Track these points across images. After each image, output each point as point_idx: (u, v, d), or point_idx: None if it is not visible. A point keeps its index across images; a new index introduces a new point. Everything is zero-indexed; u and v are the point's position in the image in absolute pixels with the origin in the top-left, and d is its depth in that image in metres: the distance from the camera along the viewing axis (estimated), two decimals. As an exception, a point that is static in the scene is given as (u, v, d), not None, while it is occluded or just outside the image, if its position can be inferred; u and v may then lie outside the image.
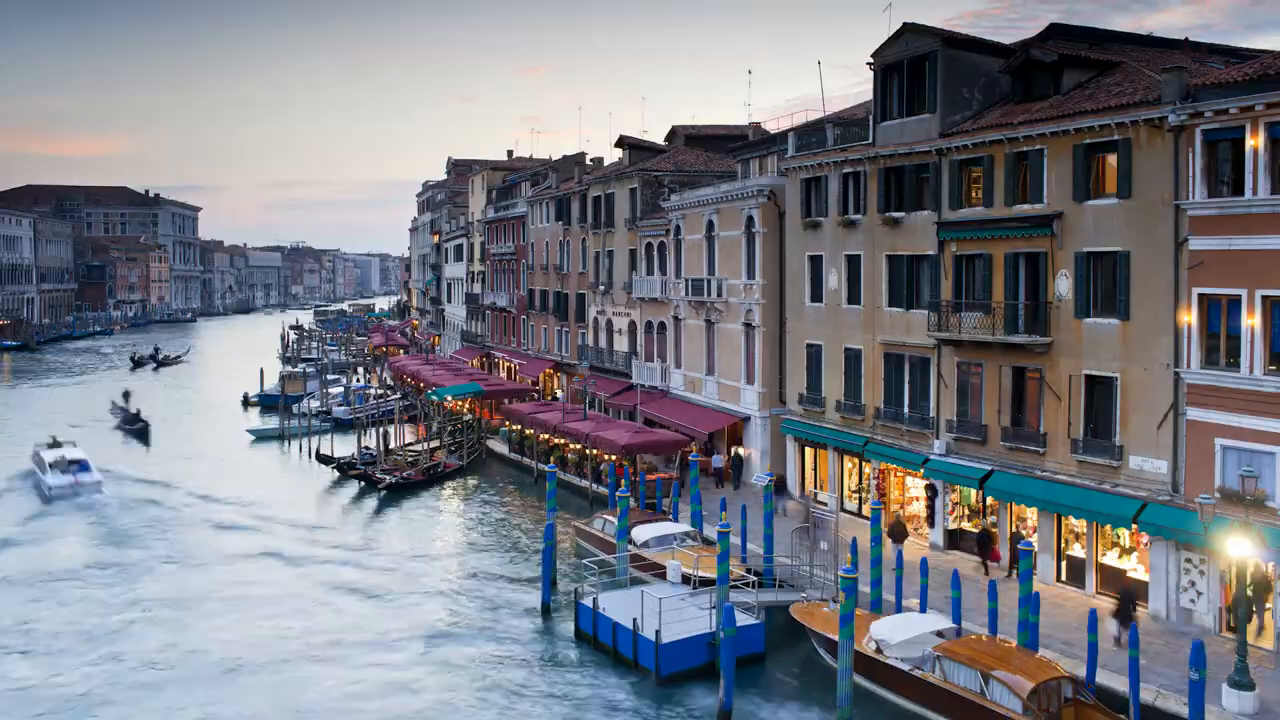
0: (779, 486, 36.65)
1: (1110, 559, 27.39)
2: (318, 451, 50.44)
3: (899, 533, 30.99)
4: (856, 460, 36.10)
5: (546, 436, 47.19)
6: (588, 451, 44.05)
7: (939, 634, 23.42)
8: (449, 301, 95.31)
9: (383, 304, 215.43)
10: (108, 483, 45.44)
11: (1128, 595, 24.41)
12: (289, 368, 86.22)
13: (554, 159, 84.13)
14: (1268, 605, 23.65)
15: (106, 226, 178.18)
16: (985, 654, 21.67)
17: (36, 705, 23.94)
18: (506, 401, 57.63)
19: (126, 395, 67.63)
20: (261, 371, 79.49)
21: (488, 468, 51.77)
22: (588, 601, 27.54)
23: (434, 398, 58.89)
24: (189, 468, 51.98)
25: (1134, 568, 26.77)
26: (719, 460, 42.17)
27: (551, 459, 44.06)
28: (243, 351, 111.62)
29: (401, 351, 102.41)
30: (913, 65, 32.69)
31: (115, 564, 35.09)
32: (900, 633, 23.23)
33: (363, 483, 46.70)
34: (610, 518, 33.97)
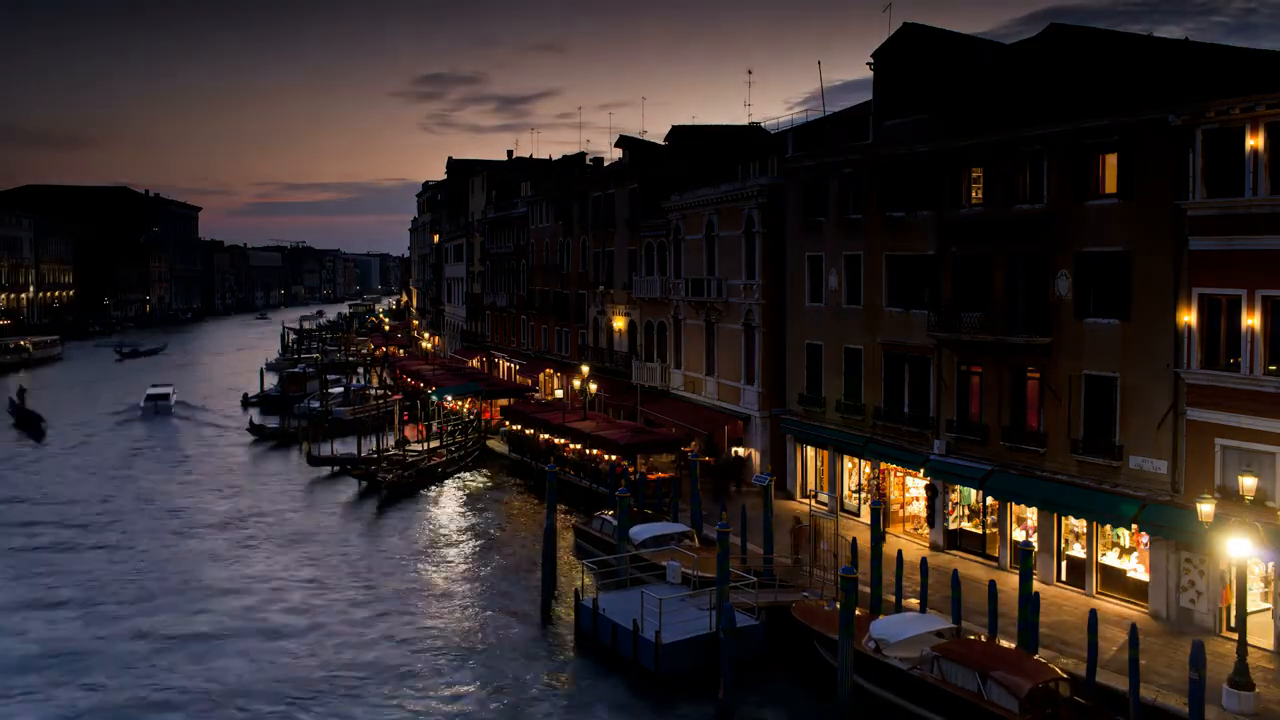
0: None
1: (1110, 559, 27.39)
2: (310, 453, 50.25)
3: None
4: (856, 460, 36.09)
5: (547, 436, 47.19)
6: (588, 451, 44.05)
7: (938, 634, 23.37)
8: (449, 302, 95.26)
9: (383, 304, 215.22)
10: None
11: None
12: (289, 368, 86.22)
13: (554, 159, 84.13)
14: (1267, 606, 23.65)
15: (106, 226, 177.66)
16: (984, 654, 21.65)
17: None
18: (507, 401, 57.65)
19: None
20: (261, 371, 79.54)
21: (487, 467, 51.75)
22: (588, 602, 27.52)
23: (434, 398, 58.90)
24: (188, 467, 52.03)
25: (1134, 568, 26.78)
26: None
27: (551, 459, 44.04)
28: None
29: (401, 351, 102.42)
30: (913, 65, 32.67)
31: (114, 560, 35.14)
32: (899, 633, 23.19)
33: (363, 482, 46.69)
34: (610, 518, 33.96)
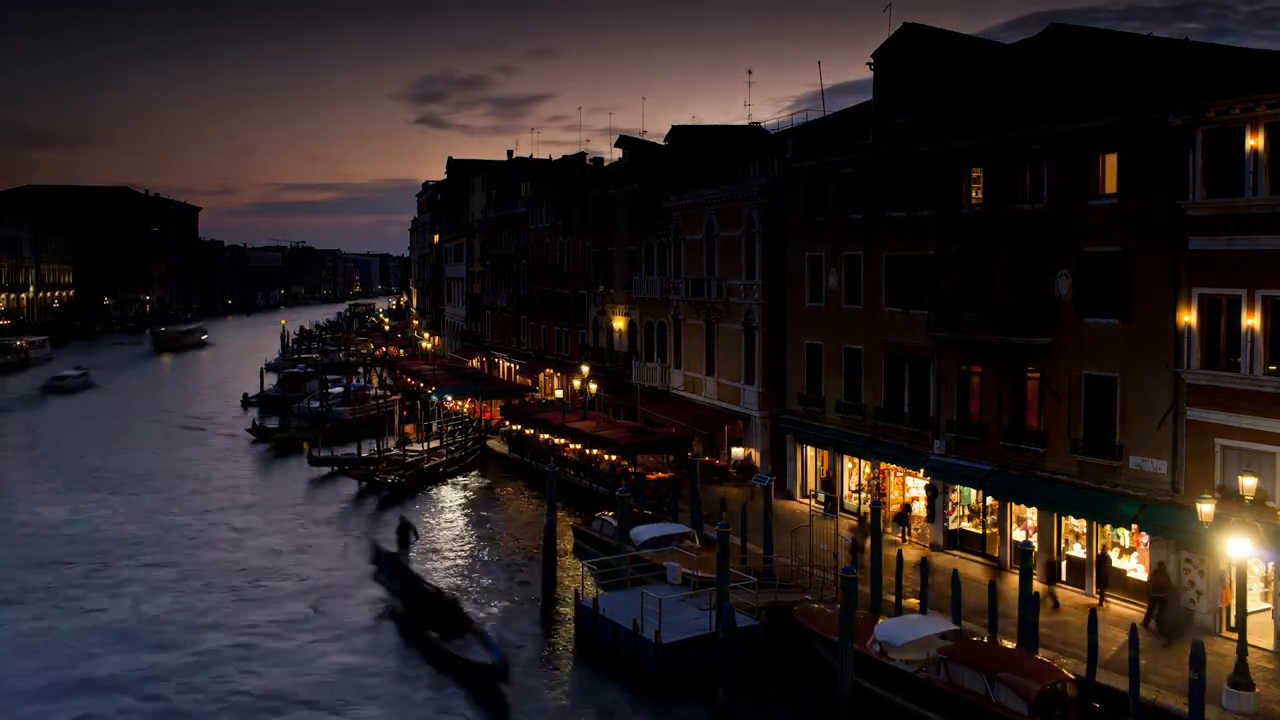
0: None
1: (1110, 559, 27.36)
2: (310, 454, 50.36)
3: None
4: (856, 460, 36.09)
5: (547, 436, 47.19)
6: (588, 451, 44.05)
7: (943, 636, 23.31)
8: (449, 302, 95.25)
9: (383, 304, 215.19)
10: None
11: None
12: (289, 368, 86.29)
13: (554, 159, 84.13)
14: (1267, 606, 23.66)
15: (106, 226, 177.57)
16: (991, 656, 21.60)
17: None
18: (506, 401, 57.66)
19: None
20: (262, 371, 79.58)
21: (487, 467, 51.75)
22: (588, 602, 27.50)
23: (434, 398, 58.93)
24: (188, 467, 52.01)
25: (1134, 568, 26.77)
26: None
27: (551, 459, 44.05)
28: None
29: (401, 351, 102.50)
30: (913, 65, 32.68)
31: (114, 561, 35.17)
32: (904, 635, 23.13)
33: (363, 483, 46.66)
34: (610, 518, 33.96)
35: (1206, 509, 21.95)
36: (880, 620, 24.58)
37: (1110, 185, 26.85)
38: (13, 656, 26.74)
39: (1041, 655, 22.56)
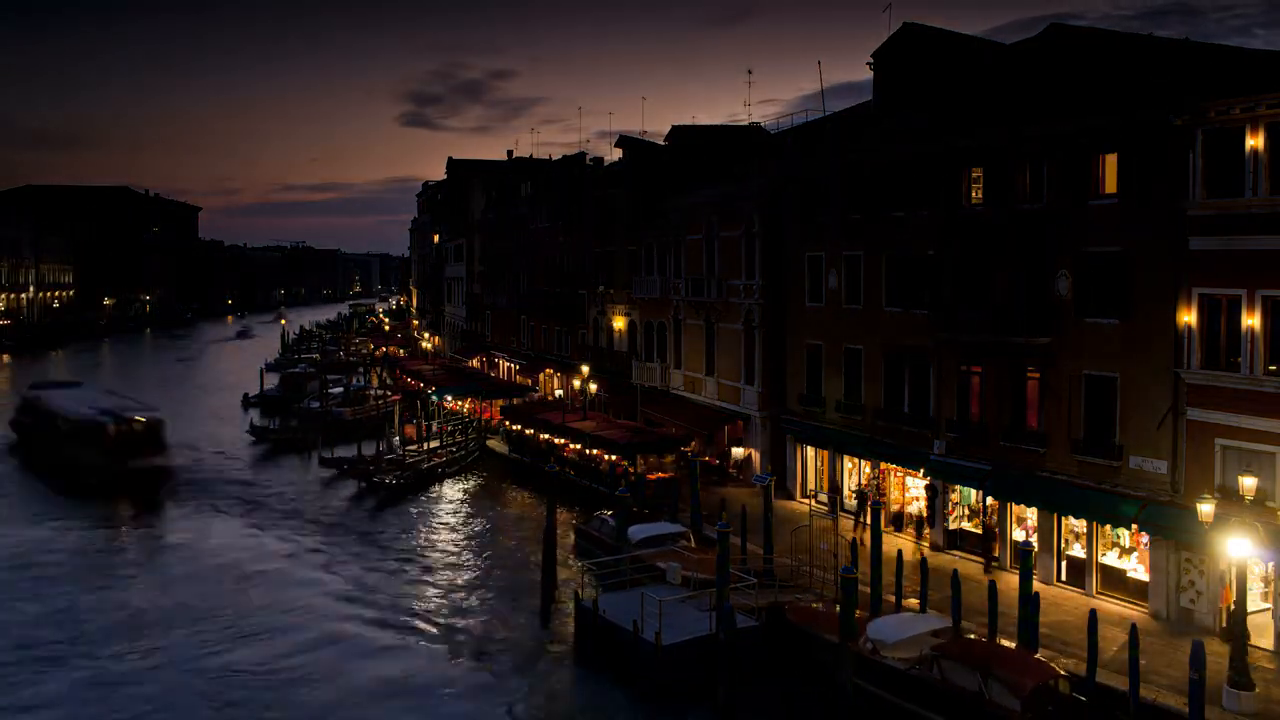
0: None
1: (1110, 559, 27.38)
2: (319, 455, 50.31)
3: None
4: (856, 460, 36.08)
5: (547, 436, 47.19)
6: (588, 451, 44.05)
7: (935, 634, 23.35)
8: (449, 302, 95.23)
9: (383, 304, 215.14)
10: None
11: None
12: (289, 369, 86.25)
13: (554, 159, 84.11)
14: (1267, 606, 23.66)
15: (106, 226, 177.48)
16: (984, 653, 21.64)
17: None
18: (506, 401, 57.66)
19: None
20: (262, 372, 79.59)
21: (487, 467, 51.73)
22: (587, 603, 27.47)
23: (434, 398, 58.92)
24: (187, 468, 51.97)
25: (1134, 568, 26.77)
26: None
27: (551, 459, 44.03)
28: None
29: (401, 352, 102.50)
30: (912, 65, 32.69)
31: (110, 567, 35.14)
32: (897, 633, 23.17)
33: (362, 483, 46.66)
34: (609, 518, 33.95)
35: (1206, 509, 21.94)
36: (873, 619, 24.60)
37: (1110, 185, 26.85)
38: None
39: (1041, 655, 22.57)
